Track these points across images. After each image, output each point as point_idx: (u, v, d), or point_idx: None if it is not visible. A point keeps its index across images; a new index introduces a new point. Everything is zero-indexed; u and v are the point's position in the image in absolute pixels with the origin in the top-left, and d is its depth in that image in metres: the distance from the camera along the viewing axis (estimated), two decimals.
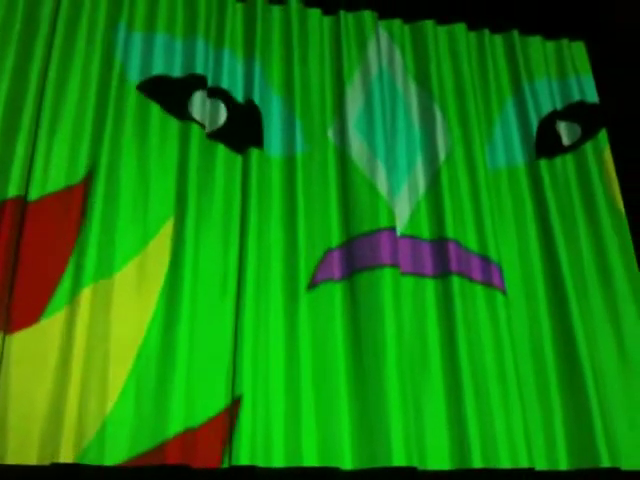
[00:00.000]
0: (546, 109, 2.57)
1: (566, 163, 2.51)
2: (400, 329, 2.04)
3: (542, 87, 2.61)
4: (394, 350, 2.00)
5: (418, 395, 2.05)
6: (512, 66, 2.66)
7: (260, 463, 1.87)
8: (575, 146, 2.54)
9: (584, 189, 2.47)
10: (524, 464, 1.95)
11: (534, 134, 2.49)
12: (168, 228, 2.09)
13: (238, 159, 2.27)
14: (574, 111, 2.61)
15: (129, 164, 2.15)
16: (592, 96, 2.65)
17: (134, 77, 2.29)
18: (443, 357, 2.09)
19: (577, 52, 2.77)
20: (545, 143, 2.48)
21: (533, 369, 2.16)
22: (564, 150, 2.53)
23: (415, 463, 1.91)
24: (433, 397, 2.05)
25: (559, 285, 2.23)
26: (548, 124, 2.53)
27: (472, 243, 2.25)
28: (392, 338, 2.02)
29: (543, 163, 2.43)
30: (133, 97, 2.26)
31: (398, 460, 1.89)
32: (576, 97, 2.64)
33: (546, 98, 2.58)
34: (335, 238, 2.17)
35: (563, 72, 2.69)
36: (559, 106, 2.62)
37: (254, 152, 2.23)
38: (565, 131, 2.57)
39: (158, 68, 2.33)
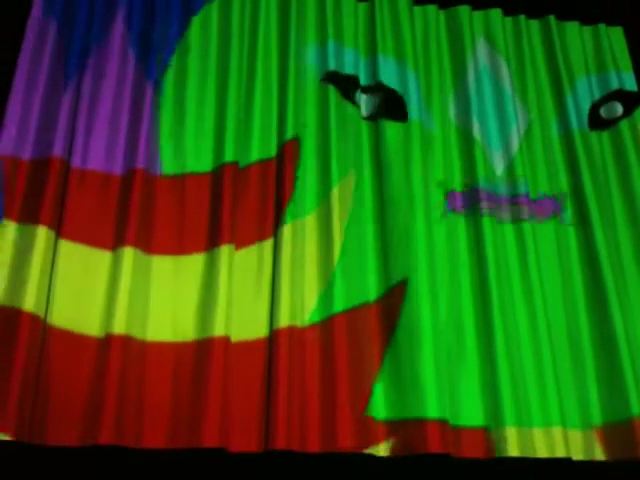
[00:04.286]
0: (585, 104, 2.57)
1: (602, 139, 2.52)
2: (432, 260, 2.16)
3: (582, 85, 2.59)
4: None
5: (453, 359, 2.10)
6: (550, 58, 2.64)
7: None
8: (612, 123, 2.55)
9: (619, 163, 2.47)
10: (556, 421, 1.97)
11: (572, 124, 2.50)
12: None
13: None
14: (613, 96, 2.59)
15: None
16: (631, 86, 2.61)
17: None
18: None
19: (615, 40, 2.71)
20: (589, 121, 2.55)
21: (566, 329, 2.20)
22: (601, 126, 2.54)
23: (448, 416, 1.96)
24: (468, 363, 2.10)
25: (592, 248, 2.26)
26: (590, 115, 2.56)
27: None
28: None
29: (578, 137, 2.46)
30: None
31: (432, 412, 1.93)
32: (615, 87, 2.60)
33: (585, 94, 2.58)
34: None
35: (602, 64, 2.65)
36: (597, 95, 2.60)
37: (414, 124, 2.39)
38: (605, 109, 2.57)
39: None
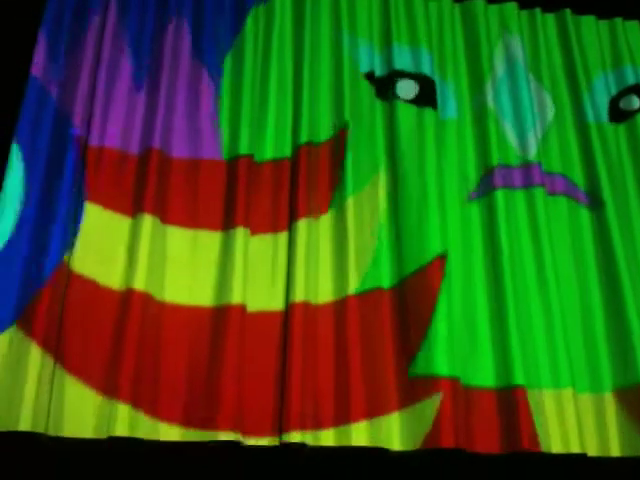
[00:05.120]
0: (601, 97, 2.57)
1: (619, 131, 2.52)
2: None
3: (598, 79, 2.60)
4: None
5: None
6: (566, 52, 2.64)
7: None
8: (629, 115, 2.55)
9: (635, 155, 2.47)
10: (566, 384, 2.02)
11: (588, 116, 2.51)
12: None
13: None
14: (630, 90, 2.59)
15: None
16: None
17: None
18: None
19: (632, 34, 2.70)
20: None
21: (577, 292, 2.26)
22: (618, 119, 2.55)
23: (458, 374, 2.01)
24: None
25: (605, 233, 2.30)
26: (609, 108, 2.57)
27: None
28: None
29: (595, 129, 2.47)
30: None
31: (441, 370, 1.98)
32: (631, 81, 2.60)
33: (601, 88, 2.59)
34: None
35: (618, 58, 2.65)
36: (613, 89, 2.60)
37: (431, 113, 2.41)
38: (623, 102, 2.58)
39: None
